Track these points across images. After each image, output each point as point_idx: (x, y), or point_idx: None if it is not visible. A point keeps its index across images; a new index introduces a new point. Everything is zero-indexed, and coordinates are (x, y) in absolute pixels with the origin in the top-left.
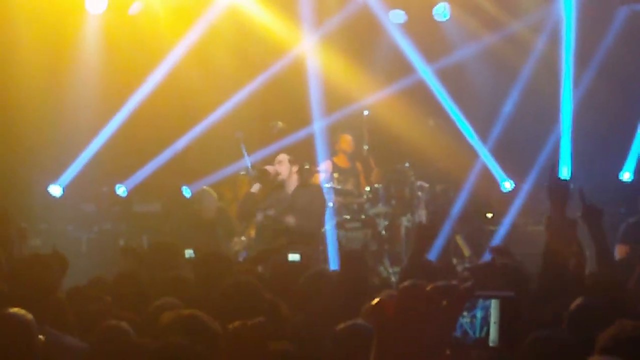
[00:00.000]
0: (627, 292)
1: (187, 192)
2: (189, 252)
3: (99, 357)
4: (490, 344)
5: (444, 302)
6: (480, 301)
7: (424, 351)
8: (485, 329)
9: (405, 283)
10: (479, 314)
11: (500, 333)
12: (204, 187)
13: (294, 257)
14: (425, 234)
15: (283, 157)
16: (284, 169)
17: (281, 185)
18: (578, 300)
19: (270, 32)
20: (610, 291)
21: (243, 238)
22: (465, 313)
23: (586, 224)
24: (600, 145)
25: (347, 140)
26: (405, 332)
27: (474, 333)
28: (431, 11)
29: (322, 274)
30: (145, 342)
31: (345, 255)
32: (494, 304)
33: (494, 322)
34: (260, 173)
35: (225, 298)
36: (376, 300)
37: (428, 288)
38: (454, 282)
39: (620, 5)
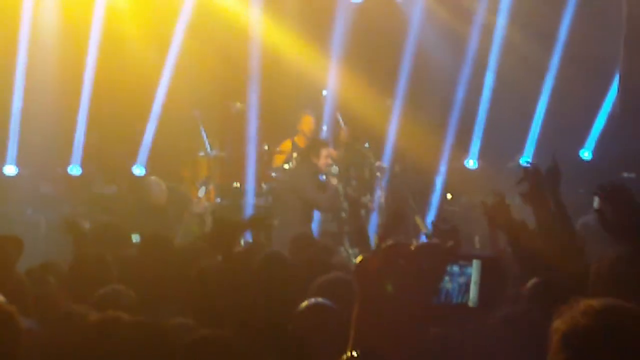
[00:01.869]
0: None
1: (140, 170)
2: (135, 237)
3: (56, 342)
4: (470, 304)
5: (427, 262)
6: (463, 269)
7: (406, 308)
8: (466, 295)
9: (389, 242)
10: (460, 279)
11: (480, 294)
12: (150, 177)
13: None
14: (395, 219)
15: None
16: None
17: None
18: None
19: (229, 11)
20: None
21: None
22: (447, 278)
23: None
24: (560, 123)
25: (307, 121)
26: (389, 291)
27: (456, 298)
28: None
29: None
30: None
31: (293, 239)
32: (475, 265)
33: (475, 283)
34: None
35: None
36: (360, 257)
37: (412, 247)
38: (437, 241)
39: None
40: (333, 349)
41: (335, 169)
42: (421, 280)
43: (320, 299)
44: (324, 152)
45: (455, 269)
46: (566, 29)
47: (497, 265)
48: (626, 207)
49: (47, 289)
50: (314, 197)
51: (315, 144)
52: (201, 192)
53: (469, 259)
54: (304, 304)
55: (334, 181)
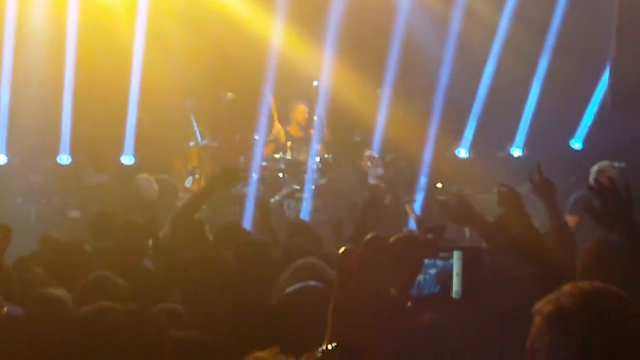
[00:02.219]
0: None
1: (129, 159)
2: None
3: (32, 325)
4: (454, 296)
5: (406, 254)
6: (435, 260)
7: (385, 302)
8: (438, 285)
9: (369, 235)
10: (433, 270)
11: (463, 285)
12: (140, 175)
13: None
14: (368, 210)
15: None
16: None
17: None
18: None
19: (220, 2)
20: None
21: None
22: None
23: (542, 199)
24: (551, 113)
25: (300, 110)
26: (367, 283)
27: (428, 289)
28: None
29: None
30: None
31: (291, 225)
32: (456, 255)
33: (457, 274)
34: None
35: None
36: (342, 249)
37: (391, 240)
38: (416, 233)
39: None
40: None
41: (379, 170)
42: (400, 272)
43: (311, 282)
44: (366, 153)
45: (427, 260)
46: (558, 20)
47: (478, 256)
48: (614, 197)
49: (33, 278)
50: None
51: (357, 146)
52: (188, 182)
53: (449, 250)
54: (292, 287)
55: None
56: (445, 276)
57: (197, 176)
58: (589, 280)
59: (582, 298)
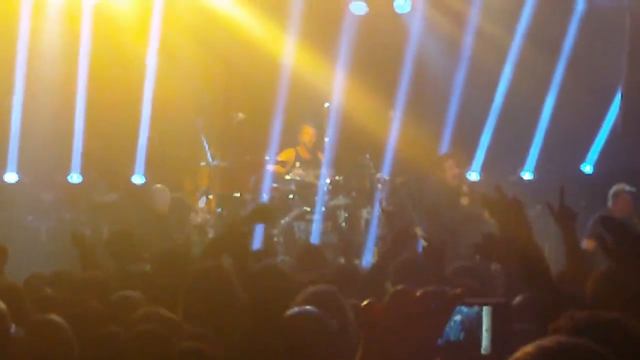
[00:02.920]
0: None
1: (139, 179)
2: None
3: (29, 349)
4: (483, 352)
5: (433, 307)
6: (461, 307)
7: (411, 355)
8: (462, 333)
9: (396, 287)
10: (457, 317)
11: (493, 340)
12: (156, 185)
13: None
14: (401, 237)
15: None
16: None
17: None
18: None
19: (233, 21)
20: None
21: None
22: None
23: (560, 225)
24: (562, 137)
25: (308, 133)
26: (393, 336)
27: (453, 336)
28: (392, 3)
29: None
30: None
31: (303, 248)
32: (485, 311)
33: (486, 330)
34: None
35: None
36: (365, 302)
37: (418, 293)
38: (445, 288)
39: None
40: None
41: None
42: (427, 326)
43: (308, 307)
44: (448, 163)
45: None
46: (570, 44)
47: (507, 310)
48: (625, 236)
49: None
50: (449, 215)
51: (438, 158)
52: (202, 203)
53: (479, 304)
54: (291, 310)
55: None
56: (469, 323)
57: (211, 196)
58: (593, 307)
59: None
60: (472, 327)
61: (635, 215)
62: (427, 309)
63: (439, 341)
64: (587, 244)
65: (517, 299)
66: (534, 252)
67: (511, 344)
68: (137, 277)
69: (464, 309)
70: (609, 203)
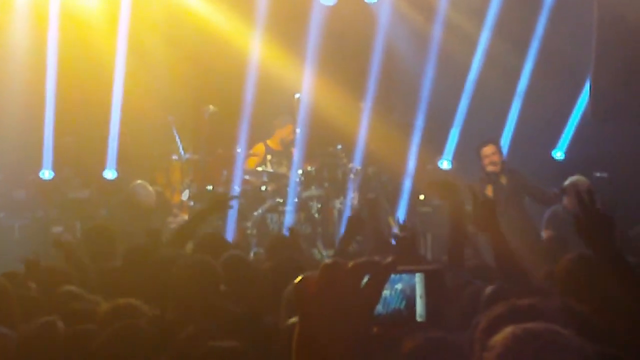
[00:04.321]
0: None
1: (111, 174)
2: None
3: (29, 351)
4: (418, 319)
5: (366, 278)
6: (400, 275)
7: (349, 328)
8: (404, 301)
9: (326, 261)
10: (398, 286)
11: (427, 307)
12: (137, 181)
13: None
14: (352, 224)
15: None
16: None
17: None
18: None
19: (200, 14)
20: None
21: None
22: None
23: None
24: (533, 125)
25: (280, 127)
26: (329, 310)
27: (394, 304)
28: None
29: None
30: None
31: (275, 239)
32: (418, 278)
33: (420, 297)
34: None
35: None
36: (299, 278)
37: (350, 264)
38: (376, 258)
39: None
40: None
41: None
42: (361, 296)
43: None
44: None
45: (392, 275)
46: (540, 32)
47: (441, 277)
48: (593, 212)
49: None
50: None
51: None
52: (185, 196)
53: (411, 272)
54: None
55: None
56: (411, 291)
57: (195, 190)
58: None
59: (510, 341)
60: (412, 295)
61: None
62: (359, 279)
63: (381, 310)
64: (545, 234)
65: (489, 289)
66: (502, 246)
67: (445, 311)
68: (110, 273)
69: (405, 276)
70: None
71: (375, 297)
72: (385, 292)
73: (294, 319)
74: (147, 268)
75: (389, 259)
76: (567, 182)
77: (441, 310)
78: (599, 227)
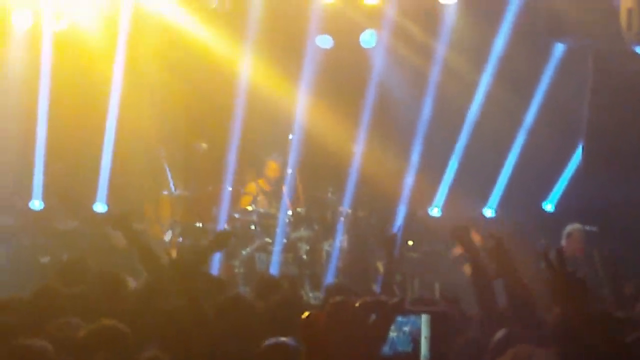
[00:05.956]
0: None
1: (101, 207)
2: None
3: None
4: None
5: (373, 317)
6: (408, 317)
7: None
8: (411, 344)
9: (334, 299)
10: (406, 328)
11: (432, 348)
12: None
13: None
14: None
15: None
16: None
17: None
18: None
19: (197, 46)
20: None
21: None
22: (392, 327)
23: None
24: (526, 175)
25: (272, 168)
26: (335, 346)
27: (402, 347)
28: (358, 38)
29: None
30: None
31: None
32: (424, 319)
33: (425, 337)
34: None
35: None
36: (306, 313)
37: (357, 303)
38: (383, 297)
39: (556, 41)
40: None
41: None
42: (367, 335)
43: (282, 338)
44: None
45: (400, 318)
46: (538, 81)
47: (446, 319)
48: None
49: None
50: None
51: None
52: (168, 236)
53: (417, 313)
54: (267, 342)
55: None
56: (419, 334)
57: (177, 230)
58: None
59: None
60: (419, 338)
61: (594, 253)
62: (366, 318)
63: (387, 351)
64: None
65: (499, 333)
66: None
67: (450, 353)
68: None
69: (413, 319)
70: (563, 241)
71: (381, 336)
72: (393, 335)
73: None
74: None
75: (396, 299)
76: (568, 229)
77: (446, 353)
78: (571, 290)
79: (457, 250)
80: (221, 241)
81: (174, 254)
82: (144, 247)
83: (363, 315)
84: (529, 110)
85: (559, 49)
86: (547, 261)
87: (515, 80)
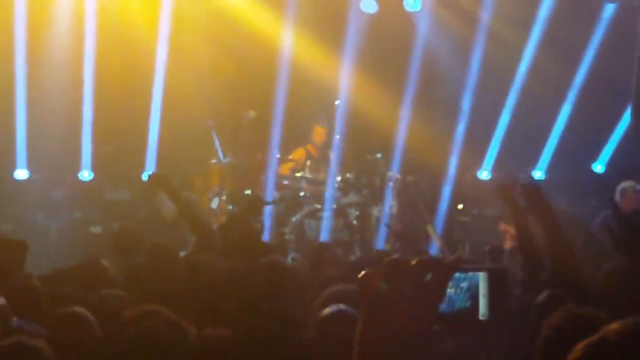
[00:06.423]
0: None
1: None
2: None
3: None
4: (480, 317)
5: (429, 276)
6: (467, 273)
7: (411, 325)
8: (469, 301)
9: (390, 257)
10: (464, 284)
11: (490, 306)
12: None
13: None
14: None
15: None
16: None
17: None
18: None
19: (243, 20)
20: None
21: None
22: (450, 284)
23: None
24: (575, 137)
25: (319, 133)
26: (392, 305)
27: (460, 304)
28: (402, 1)
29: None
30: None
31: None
32: (482, 277)
33: (483, 295)
34: None
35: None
36: (362, 272)
37: (413, 262)
38: (440, 255)
39: (605, 2)
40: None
41: None
42: (424, 293)
43: (342, 306)
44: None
45: (458, 274)
46: (587, 45)
47: (503, 276)
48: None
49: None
50: None
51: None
52: (214, 204)
53: (475, 270)
54: (327, 310)
55: None
56: (476, 290)
57: (224, 197)
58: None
59: (627, 333)
60: (477, 294)
61: None
62: (422, 277)
63: (445, 309)
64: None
65: (542, 295)
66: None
67: (509, 310)
68: (133, 269)
69: (471, 274)
70: (617, 198)
71: (438, 294)
72: (450, 291)
73: (327, 310)
74: (173, 269)
75: (453, 257)
76: (621, 186)
77: (503, 309)
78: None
79: (503, 227)
80: (251, 206)
81: (223, 220)
82: (189, 209)
83: (419, 273)
84: (577, 72)
85: (608, 9)
86: (616, 212)
87: (563, 42)
